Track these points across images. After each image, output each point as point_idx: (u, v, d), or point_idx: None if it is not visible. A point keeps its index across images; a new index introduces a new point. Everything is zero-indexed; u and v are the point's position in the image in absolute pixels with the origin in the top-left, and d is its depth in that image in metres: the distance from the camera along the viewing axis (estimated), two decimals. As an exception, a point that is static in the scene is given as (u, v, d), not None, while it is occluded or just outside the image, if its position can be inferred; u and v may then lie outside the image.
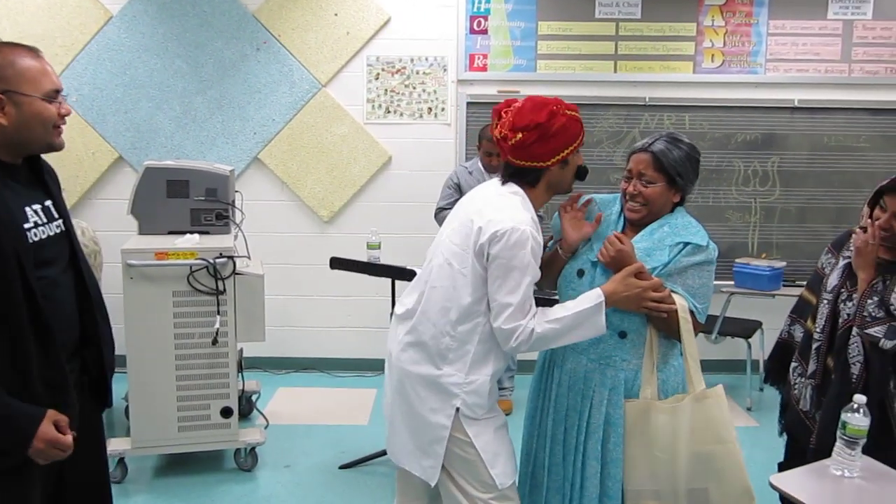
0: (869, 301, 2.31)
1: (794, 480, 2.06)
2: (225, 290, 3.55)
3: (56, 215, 1.98)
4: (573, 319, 2.08)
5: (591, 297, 2.09)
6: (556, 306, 2.13)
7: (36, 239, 1.85)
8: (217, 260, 3.52)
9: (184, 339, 3.55)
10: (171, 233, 3.76)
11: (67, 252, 2.00)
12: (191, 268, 3.50)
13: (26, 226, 1.84)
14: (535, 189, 2.20)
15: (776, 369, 2.77)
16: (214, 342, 3.55)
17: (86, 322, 2.03)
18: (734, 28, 5.11)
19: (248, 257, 3.81)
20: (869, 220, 2.37)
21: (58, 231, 1.96)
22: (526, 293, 2.08)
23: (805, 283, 2.76)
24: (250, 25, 5.00)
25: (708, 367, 5.72)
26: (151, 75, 5.00)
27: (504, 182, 2.22)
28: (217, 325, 3.54)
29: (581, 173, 2.24)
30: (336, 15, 5.03)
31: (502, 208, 2.13)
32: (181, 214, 3.81)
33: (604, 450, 2.18)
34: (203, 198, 3.82)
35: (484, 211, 2.15)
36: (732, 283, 4.87)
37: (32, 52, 1.89)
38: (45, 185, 2.00)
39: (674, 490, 2.17)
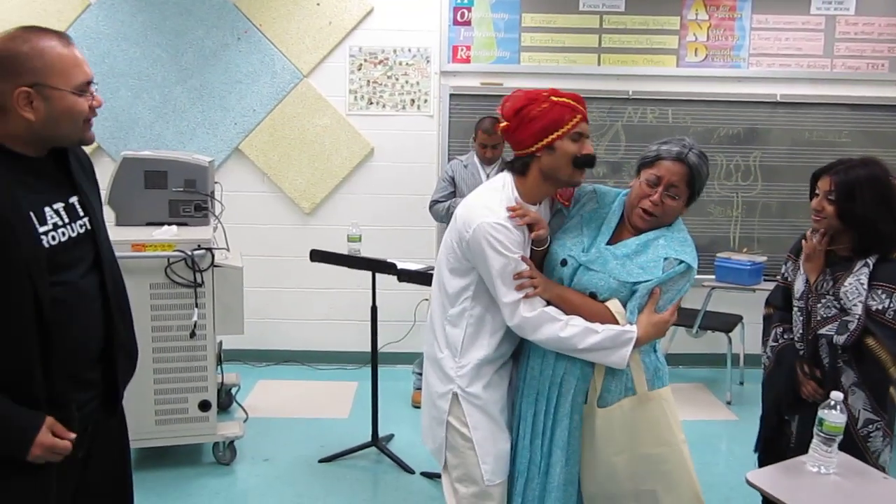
0: (819, 304, 2.39)
1: (771, 477, 2.07)
2: (203, 282, 3.50)
3: (81, 213, 1.84)
4: (602, 338, 2.06)
5: (624, 328, 2.07)
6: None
7: (54, 242, 1.73)
8: (195, 252, 3.48)
9: (161, 332, 3.51)
10: (148, 224, 3.70)
11: (91, 253, 1.86)
12: (168, 260, 3.46)
13: (44, 228, 1.71)
14: (526, 178, 2.16)
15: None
16: (192, 335, 3.51)
17: (109, 327, 1.90)
18: (718, 22, 5.10)
19: (227, 249, 3.77)
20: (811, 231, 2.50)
21: (81, 231, 1.82)
22: (507, 286, 2.07)
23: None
24: (231, 14, 4.94)
25: (689, 360, 5.75)
26: (130, 64, 4.93)
27: (506, 170, 2.24)
28: (195, 318, 3.50)
29: (580, 162, 2.12)
30: (318, 4, 4.98)
31: (471, 205, 2.16)
32: (159, 205, 3.76)
33: (570, 438, 2.17)
34: (182, 189, 3.77)
35: (459, 208, 2.21)
36: (714, 277, 4.89)
37: (63, 38, 1.72)
38: (71, 179, 1.85)
39: (623, 492, 2.17)
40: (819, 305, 2.41)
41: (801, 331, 2.49)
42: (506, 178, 2.21)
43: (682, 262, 2.10)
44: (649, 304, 2.10)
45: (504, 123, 2.14)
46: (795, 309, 2.52)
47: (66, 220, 1.79)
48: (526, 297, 2.06)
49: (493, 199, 2.14)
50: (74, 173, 1.87)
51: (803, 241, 2.52)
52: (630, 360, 2.07)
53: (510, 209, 2.10)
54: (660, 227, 2.16)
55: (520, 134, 2.11)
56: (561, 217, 2.31)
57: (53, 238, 1.74)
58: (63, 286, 1.75)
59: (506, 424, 2.27)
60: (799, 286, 2.51)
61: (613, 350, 2.05)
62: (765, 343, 2.69)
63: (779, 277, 2.70)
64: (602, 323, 2.07)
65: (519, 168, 2.16)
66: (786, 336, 2.60)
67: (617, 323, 2.07)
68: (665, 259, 2.10)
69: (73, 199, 1.84)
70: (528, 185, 2.17)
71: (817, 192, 2.46)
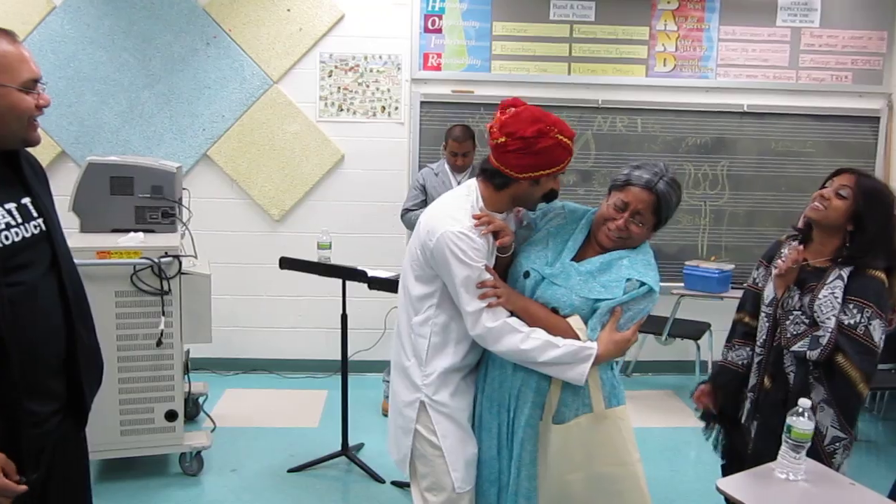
0: (787, 321, 2.40)
1: (739, 485, 2.07)
2: (170, 290, 3.45)
3: (35, 214, 1.81)
4: (563, 353, 2.05)
5: (585, 345, 2.06)
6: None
7: (7, 242, 1.69)
8: (162, 259, 3.42)
9: (127, 341, 3.45)
10: (114, 231, 3.65)
11: (48, 255, 1.82)
12: (134, 267, 3.40)
13: None
14: (499, 193, 2.16)
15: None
16: (159, 343, 3.46)
17: (70, 332, 1.86)
18: (686, 33, 5.16)
19: (195, 256, 3.73)
20: (792, 246, 2.47)
21: (36, 231, 1.79)
22: (470, 295, 2.07)
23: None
24: (200, 19, 4.89)
25: (658, 368, 5.80)
26: (96, 68, 4.86)
27: (477, 176, 2.21)
28: (162, 326, 3.44)
29: (549, 196, 2.19)
30: (289, 10, 4.95)
31: (435, 214, 2.16)
32: (125, 212, 3.71)
33: (523, 451, 2.16)
34: (148, 195, 3.72)
35: (423, 216, 2.20)
36: (682, 285, 4.93)
37: (8, 35, 1.71)
38: (23, 180, 1.82)
39: None
40: (788, 322, 2.40)
41: (764, 336, 2.50)
42: (471, 185, 2.20)
43: (643, 284, 2.11)
44: (610, 322, 2.10)
45: (502, 140, 2.07)
46: (763, 315, 2.52)
47: (19, 220, 1.76)
48: (489, 306, 2.06)
49: (457, 207, 2.14)
50: (27, 176, 1.83)
51: (779, 260, 2.48)
52: (588, 377, 2.07)
53: (475, 217, 2.09)
54: (625, 248, 2.17)
55: (514, 159, 2.08)
56: (528, 229, 2.31)
57: (6, 238, 1.70)
58: (19, 286, 1.70)
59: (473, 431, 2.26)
60: (769, 292, 2.51)
61: (573, 365, 2.05)
62: None
63: (749, 282, 2.71)
64: (563, 338, 2.07)
65: (498, 184, 2.14)
66: (730, 356, 2.63)
67: (578, 338, 2.07)
68: (627, 280, 2.11)
69: (26, 200, 1.81)
70: (495, 198, 2.17)
71: (829, 184, 2.42)
